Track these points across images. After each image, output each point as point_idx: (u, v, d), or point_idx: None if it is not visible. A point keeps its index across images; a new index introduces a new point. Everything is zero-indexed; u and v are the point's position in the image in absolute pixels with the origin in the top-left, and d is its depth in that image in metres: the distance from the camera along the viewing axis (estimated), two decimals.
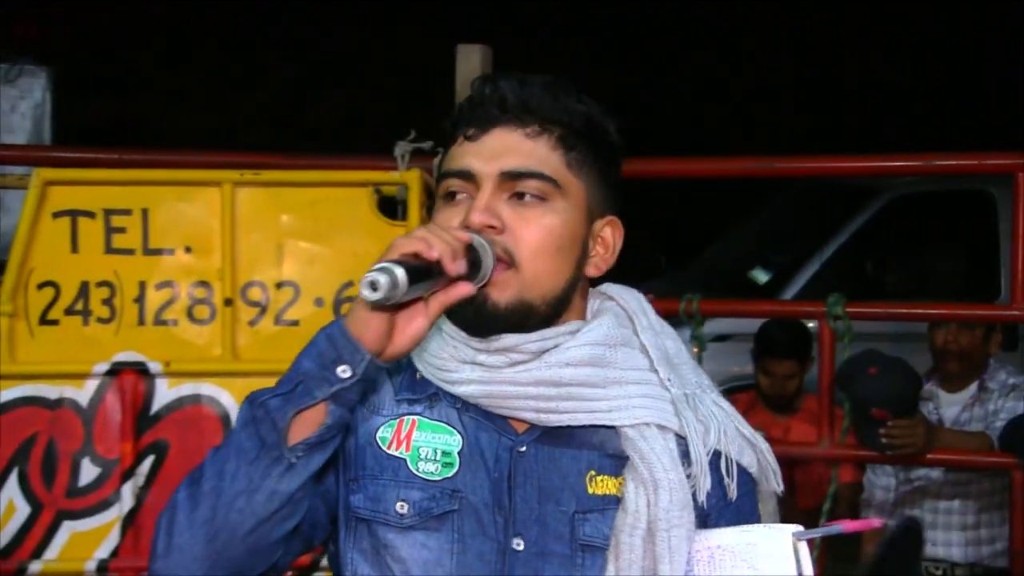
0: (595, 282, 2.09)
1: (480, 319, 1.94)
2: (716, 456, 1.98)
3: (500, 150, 1.96)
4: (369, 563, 1.97)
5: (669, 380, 2.00)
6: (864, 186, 9.21)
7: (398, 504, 1.96)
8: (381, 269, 1.75)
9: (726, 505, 1.99)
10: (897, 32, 14.54)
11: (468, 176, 1.96)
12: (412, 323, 1.87)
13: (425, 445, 1.99)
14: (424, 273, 1.80)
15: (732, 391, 6.86)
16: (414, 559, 1.94)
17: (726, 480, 1.98)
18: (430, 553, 1.94)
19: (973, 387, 5.13)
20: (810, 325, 5.65)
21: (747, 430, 2.04)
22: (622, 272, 2.11)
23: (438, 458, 1.97)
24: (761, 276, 9.43)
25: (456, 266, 1.83)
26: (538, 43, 12.98)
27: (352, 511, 1.99)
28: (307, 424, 1.86)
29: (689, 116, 14.48)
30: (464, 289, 1.87)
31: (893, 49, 14.57)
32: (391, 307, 1.82)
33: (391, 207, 3.96)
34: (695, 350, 4.65)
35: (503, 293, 1.93)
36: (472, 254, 1.88)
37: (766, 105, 14.45)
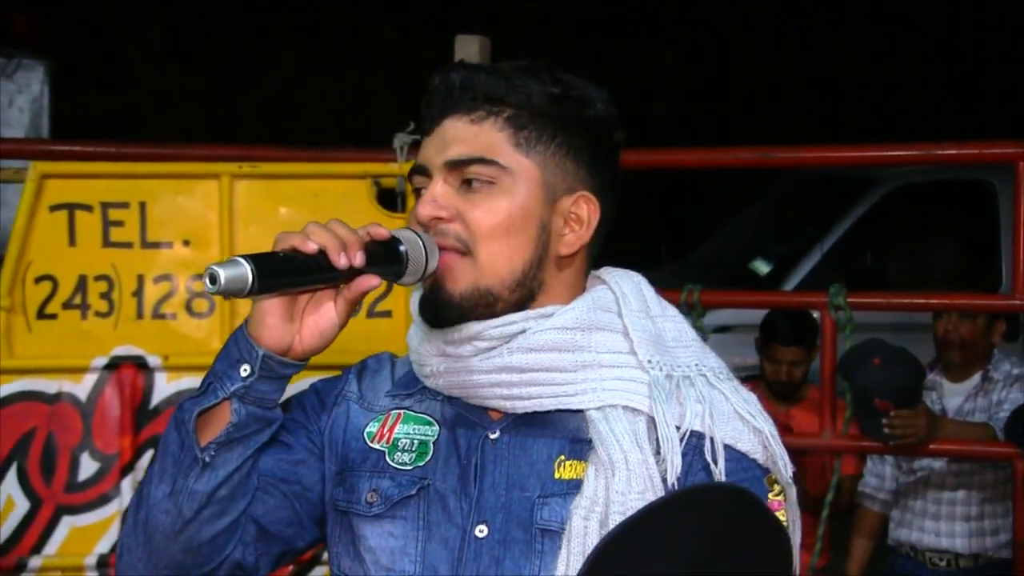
0: (598, 264, 2.05)
1: (437, 310, 1.93)
2: (701, 439, 1.90)
3: (448, 140, 1.94)
4: (350, 556, 1.98)
5: (650, 362, 1.93)
6: (864, 176, 9.20)
7: (369, 494, 1.96)
8: (228, 262, 1.73)
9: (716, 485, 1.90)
10: (897, 29, 14.52)
11: (423, 170, 1.96)
12: (319, 318, 1.87)
13: (404, 437, 1.99)
14: (303, 268, 1.79)
15: None
16: (381, 548, 1.94)
17: (711, 465, 1.89)
18: (396, 541, 1.94)
19: (976, 377, 5.11)
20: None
21: (748, 412, 1.95)
22: (621, 263, 2.08)
23: (414, 448, 1.97)
24: (762, 267, 9.42)
25: (343, 259, 1.81)
26: (537, 34, 12.96)
27: (335, 504, 1.99)
28: (218, 423, 1.89)
29: (690, 109, 14.46)
30: (366, 282, 1.85)
31: (893, 46, 14.55)
32: (271, 297, 1.81)
33: (391, 199, 3.94)
34: None
35: (457, 282, 1.91)
36: (389, 248, 1.86)
37: (766, 101, 14.43)
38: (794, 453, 2.00)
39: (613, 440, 1.88)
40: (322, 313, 1.87)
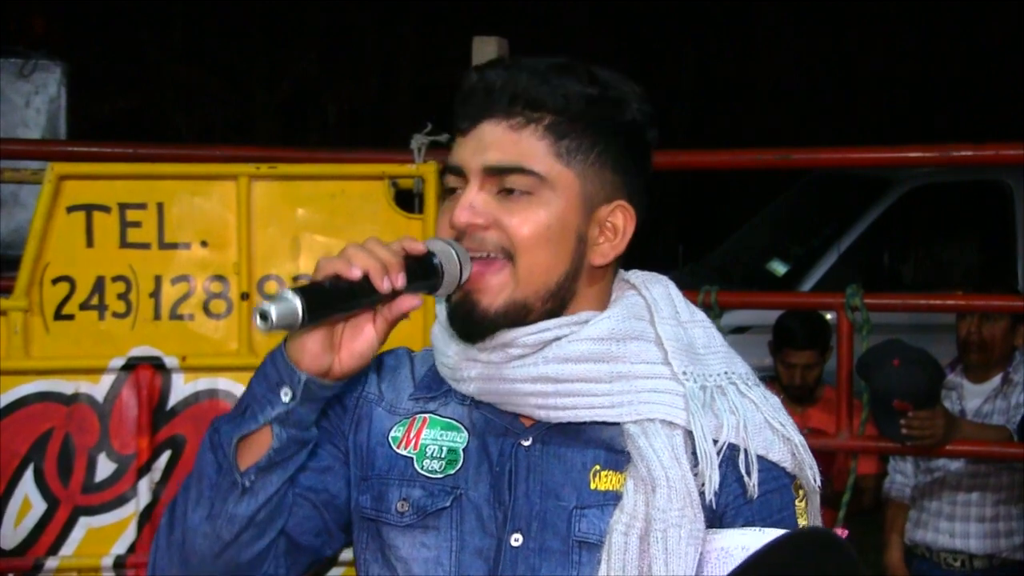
0: (625, 267, 2.03)
1: (469, 327, 1.91)
2: (734, 450, 1.89)
3: (486, 144, 1.91)
4: (378, 563, 1.96)
5: (684, 373, 1.91)
6: (881, 177, 9.18)
7: (399, 503, 1.94)
8: (277, 298, 1.71)
9: (745, 503, 1.90)
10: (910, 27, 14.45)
11: (459, 171, 1.93)
12: (358, 341, 1.85)
13: (432, 443, 1.97)
14: (349, 295, 1.77)
15: None
16: (414, 558, 1.92)
17: (745, 477, 1.88)
18: (429, 551, 1.92)
19: (997, 379, 5.11)
20: (828, 316, 5.63)
21: (779, 422, 1.93)
22: (640, 264, 2.06)
23: (443, 455, 1.95)
24: (779, 268, 9.40)
25: (386, 283, 1.79)
26: (552, 35, 12.93)
27: (361, 511, 1.97)
28: (258, 447, 1.86)
29: (705, 108, 14.43)
30: (407, 303, 1.84)
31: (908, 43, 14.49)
32: (318, 326, 1.79)
33: (408, 200, 3.93)
34: None
35: (493, 294, 1.89)
36: (426, 263, 1.84)
37: (780, 100, 14.38)
38: (816, 454, 1.99)
39: (653, 456, 1.86)
40: (361, 335, 1.85)
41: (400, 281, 1.81)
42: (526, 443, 1.93)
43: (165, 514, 1.93)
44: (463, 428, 1.96)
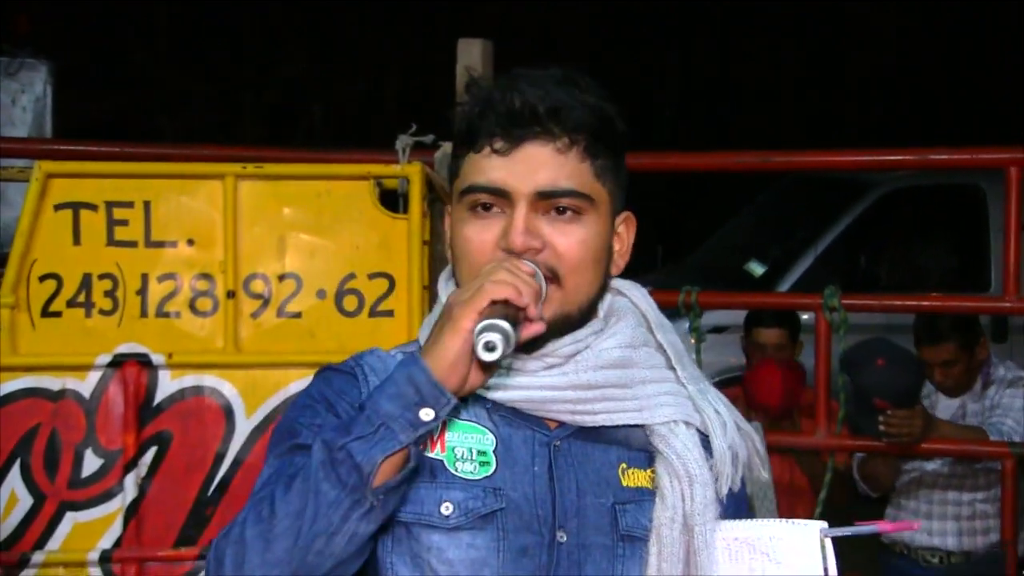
0: None
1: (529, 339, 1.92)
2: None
3: (534, 166, 1.93)
4: (408, 567, 1.94)
5: (685, 378, 2.03)
6: (858, 180, 9.21)
7: (443, 506, 1.94)
8: (494, 328, 1.75)
9: (729, 494, 2.02)
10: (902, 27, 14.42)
11: (502, 193, 1.94)
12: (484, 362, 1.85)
13: (459, 445, 1.97)
14: (516, 320, 1.81)
15: (729, 382, 6.85)
16: (461, 559, 1.92)
17: (732, 472, 2.02)
18: (477, 552, 1.92)
19: (977, 386, 5.15)
20: (804, 317, 5.64)
21: (743, 423, 2.08)
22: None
23: (474, 457, 1.97)
24: (757, 269, 9.42)
25: (539, 310, 1.84)
26: (536, 37, 12.91)
27: (393, 516, 1.92)
28: (391, 467, 1.82)
29: (689, 109, 14.41)
30: (537, 328, 1.86)
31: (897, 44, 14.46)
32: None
33: (392, 200, 3.93)
34: (692, 341, 4.64)
35: (547, 310, 1.92)
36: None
37: (767, 100, 14.36)
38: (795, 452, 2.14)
39: (689, 454, 1.97)
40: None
41: (540, 308, 1.86)
42: (558, 443, 1.98)
43: (249, 531, 1.83)
44: (486, 430, 1.98)
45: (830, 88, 14.66)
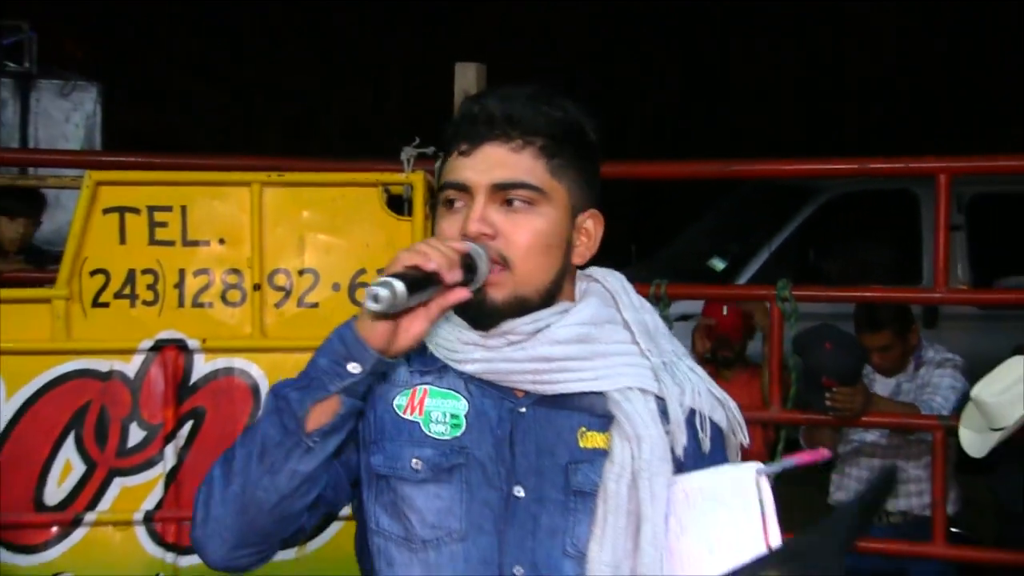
0: (583, 266, 2.10)
1: (482, 316, 1.97)
2: (691, 413, 2.01)
3: (491, 163, 1.96)
4: (388, 514, 1.98)
5: (649, 351, 2.03)
6: (807, 186, 9.25)
7: (413, 461, 1.97)
8: (384, 283, 1.76)
9: (700, 456, 2.02)
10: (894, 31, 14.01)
11: (463, 188, 1.98)
12: (414, 324, 1.88)
13: (436, 409, 2.00)
14: (423, 282, 1.82)
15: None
16: (428, 508, 1.96)
17: (700, 434, 2.02)
18: (442, 502, 1.96)
19: (910, 367, 5.17)
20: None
21: (717, 391, 2.08)
22: (599, 260, 2.12)
23: (447, 420, 1.99)
24: (719, 264, 9.44)
25: (452, 275, 1.85)
26: (536, 37, 12.63)
27: (373, 470, 1.99)
28: (323, 413, 1.89)
29: (689, 109, 14.03)
30: (460, 294, 1.89)
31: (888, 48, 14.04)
32: (393, 314, 1.83)
33: (398, 204, 3.95)
34: None
35: (500, 292, 1.95)
36: (468, 261, 1.89)
37: (762, 104, 13.92)
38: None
39: (637, 416, 1.96)
40: (418, 319, 1.88)
41: (459, 275, 1.87)
42: (522, 410, 1.99)
43: (217, 471, 1.94)
44: (461, 396, 2.01)
45: (830, 88, 14.20)
